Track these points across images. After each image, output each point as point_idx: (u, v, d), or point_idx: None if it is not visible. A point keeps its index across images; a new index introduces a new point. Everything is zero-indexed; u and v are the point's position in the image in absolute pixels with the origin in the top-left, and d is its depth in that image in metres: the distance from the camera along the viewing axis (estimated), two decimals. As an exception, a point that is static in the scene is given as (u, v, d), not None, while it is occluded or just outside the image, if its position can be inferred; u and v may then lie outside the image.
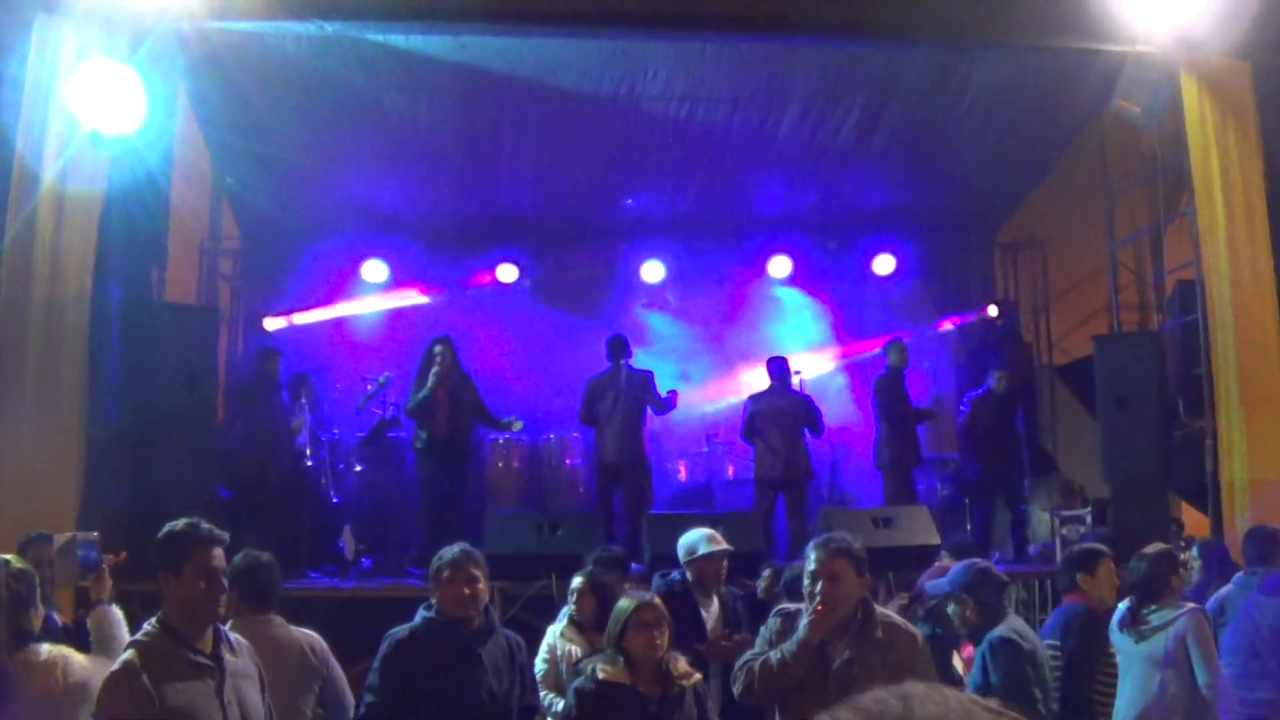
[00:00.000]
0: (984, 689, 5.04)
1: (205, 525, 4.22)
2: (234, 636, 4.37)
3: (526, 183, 13.40)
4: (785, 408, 11.64)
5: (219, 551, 4.18)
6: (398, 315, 13.82)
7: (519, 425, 11.54)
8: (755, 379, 12.56)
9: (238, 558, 5.20)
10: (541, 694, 5.99)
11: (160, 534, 4.18)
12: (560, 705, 5.53)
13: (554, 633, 6.78)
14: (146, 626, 4.11)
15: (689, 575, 6.90)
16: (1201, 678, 6.02)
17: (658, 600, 5.19)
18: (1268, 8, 9.35)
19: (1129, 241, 13.51)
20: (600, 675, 4.96)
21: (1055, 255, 14.94)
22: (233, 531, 4.48)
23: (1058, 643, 6.03)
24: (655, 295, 14.35)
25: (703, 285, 14.48)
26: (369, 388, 11.77)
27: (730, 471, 13.28)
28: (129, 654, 3.99)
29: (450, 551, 5.33)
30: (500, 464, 12.76)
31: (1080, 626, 6.07)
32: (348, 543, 10.62)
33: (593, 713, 4.96)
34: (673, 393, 11.50)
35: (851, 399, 13.92)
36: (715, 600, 6.95)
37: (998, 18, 9.68)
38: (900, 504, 11.22)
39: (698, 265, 14.52)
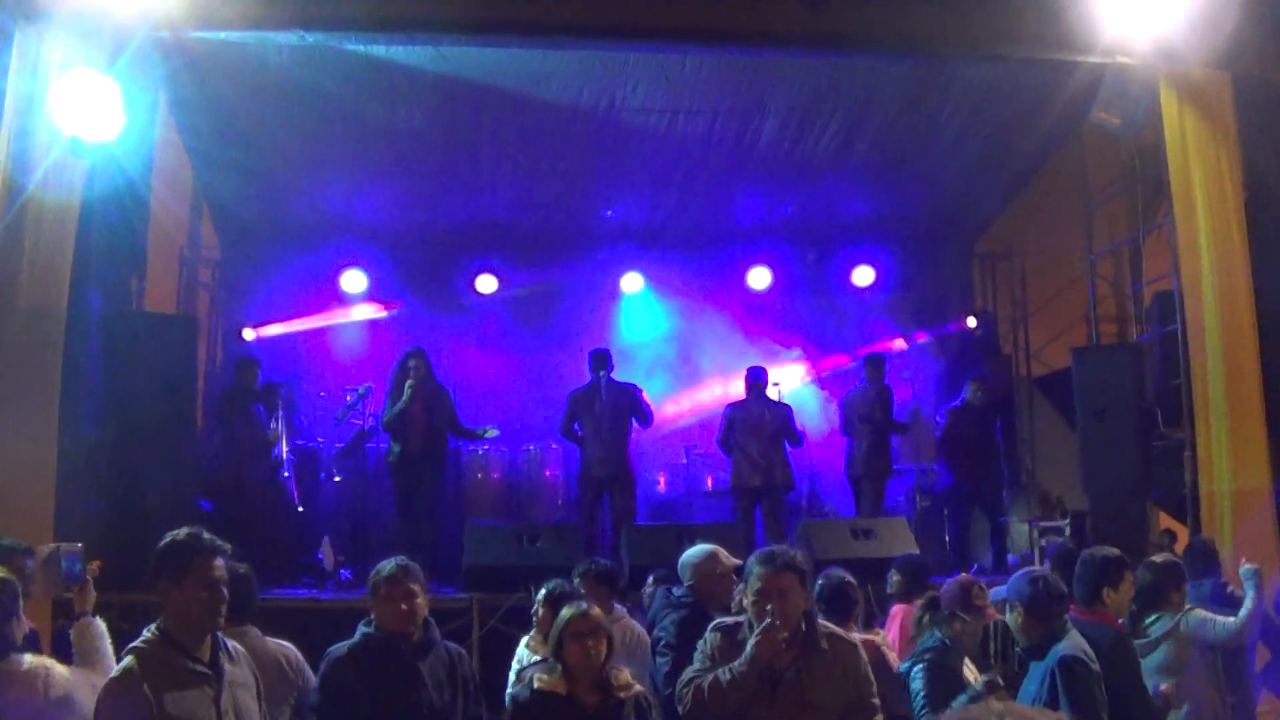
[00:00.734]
0: (1050, 707, 4.93)
1: (207, 535, 4.24)
2: (233, 645, 4.37)
3: (506, 193, 13.39)
4: (763, 418, 11.63)
5: (220, 562, 4.20)
6: (377, 325, 13.80)
7: (493, 433, 11.55)
8: (734, 389, 12.54)
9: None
10: None
11: (161, 544, 4.19)
12: None
13: (523, 643, 6.74)
14: (146, 634, 4.11)
15: (696, 594, 6.61)
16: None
17: (596, 611, 5.14)
18: (1248, 20, 9.40)
19: (1107, 253, 13.57)
20: (536, 685, 4.95)
21: (1034, 266, 15.00)
22: (213, 543, 4.46)
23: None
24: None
25: (682, 295, 14.47)
26: (348, 399, 11.74)
27: (709, 483, 13.27)
28: (129, 660, 4.00)
29: (387, 566, 5.27)
30: (479, 475, 12.74)
31: (1118, 656, 5.53)
32: (326, 554, 10.59)
33: None
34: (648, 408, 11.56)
35: (830, 411, 13.91)
36: None
37: (977, 29, 9.70)
38: (876, 516, 11.26)
39: (677, 276, 14.52)
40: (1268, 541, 9.14)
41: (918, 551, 9.70)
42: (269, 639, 5.44)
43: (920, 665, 5.57)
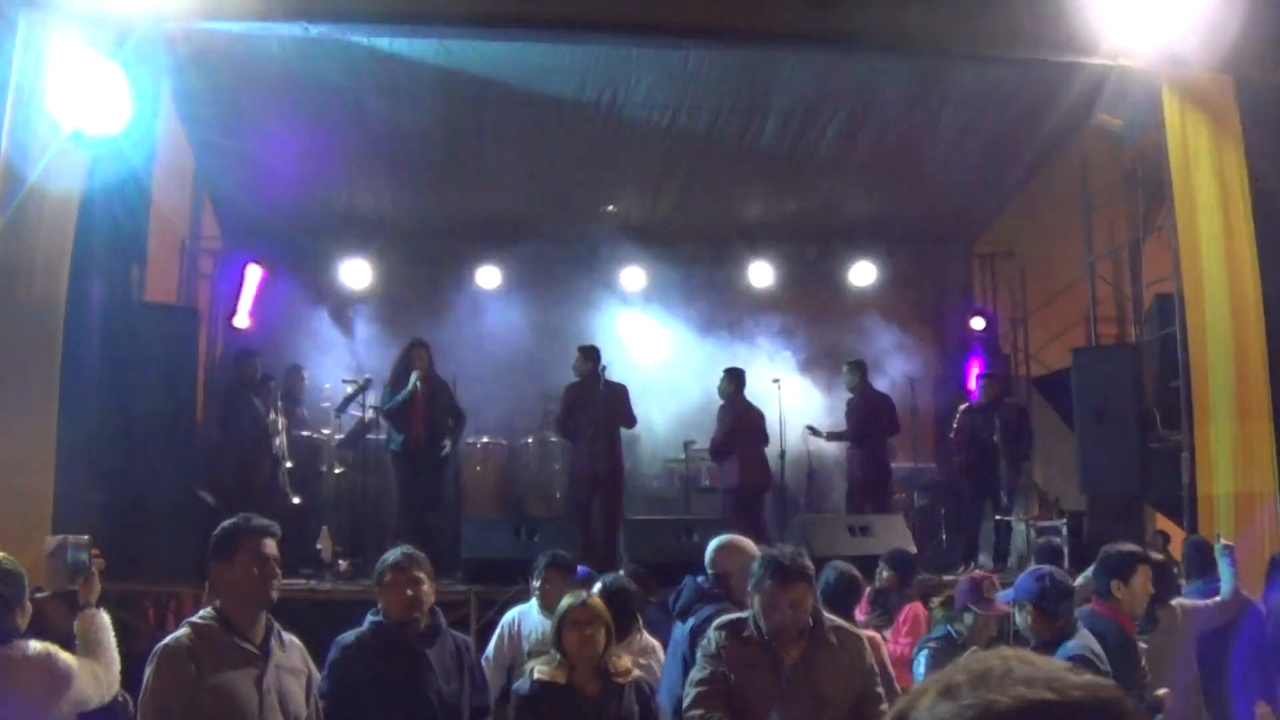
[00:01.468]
0: None
1: (257, 519, 4.50)
2: (288, 636, 4.54)
3: (508, 187, 13.40)
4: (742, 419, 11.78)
5: (271, 540, 4.46)
6: (378, 317, 13.79)
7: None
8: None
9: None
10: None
11: (215, 532, 4.45)
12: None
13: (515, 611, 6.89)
14: (204, 612, 4.36)
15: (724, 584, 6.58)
16: None
17: (594, 599, 5.20)
18: (1251, 24, 9.40)
19: (1107, 255, 13.59)
20: (536, 676, 5.01)
21: (1033, 267, 15.01)
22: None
23: None
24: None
25: (682, 292, 14.48)
26: (348, 390, 11.74)
27: (710, 479, 13.30)
28: (184, 630, 4.27)
29: (393, 555, 5.29)
30: (478, 468, 12.77)
31: (1116, 650, 5.33)
32: (324, 545, 10.60)
33: (531, 712, 5.01)
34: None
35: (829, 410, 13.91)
36: None
37: (979, 31, 9.71)
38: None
39: (677, 272, 14.54)
40: (1271, 544, 9.14)
41: (914, 549, 9.74)
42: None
43: (924, 651, 5.61)
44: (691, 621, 5.91)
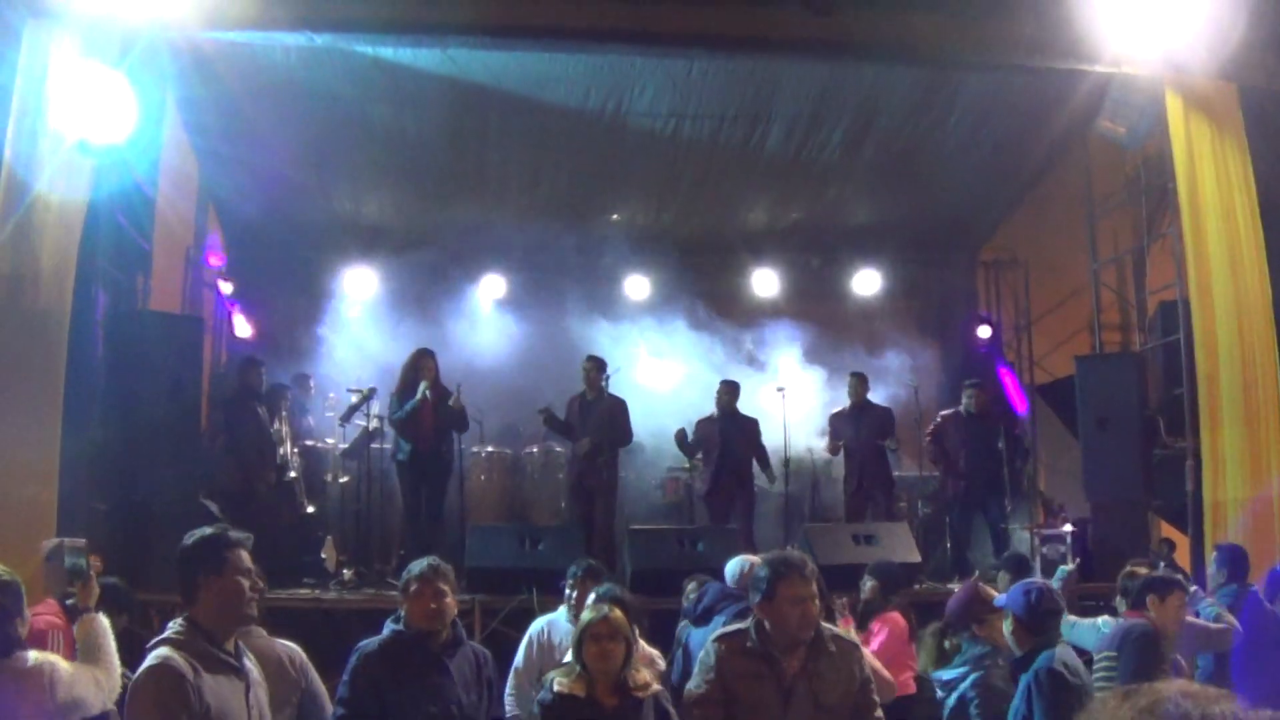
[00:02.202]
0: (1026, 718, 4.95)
1: (232, 530, 4.25)
2: (242, 645, 4.39)
3: (512, 196, 13.42)
4: (728, 431, 11.89)
5: (245, 552, 4.20)
6: (382, 325, 13.79)
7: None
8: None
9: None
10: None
11: (191, 540, 4.16)
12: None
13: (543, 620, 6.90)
14: (173, 626, 4.05)
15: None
16: None
17: (616, 614, 5.21)
18: (1254, 31, 9.40)
19: (1111, 262, 13.58)
20: (556, 688, 5.04)
21: (1037, 275, 15.00)
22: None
23: (1114, 654, 5.96)
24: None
25: (686, 301, 14.48)
26: (353, 399, 11.73)
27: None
28: (165, 649, 3.91)
29: (419, 565, 5.36)
30: (483, 477, 12.76)
31: (1139, 643, 5.90)
32: (328, 554, 10.60)
33: None
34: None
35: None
36: None
37: (983, 39, 9.72)
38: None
39: (681, 281, 14.54)
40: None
41: (918, 557, 9.73)
42: (274, 639, 5.45)
43: (973, 701, 5.55)
44: (719, 620, 6.00)
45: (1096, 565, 10.67)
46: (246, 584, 4.14)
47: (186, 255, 13.02)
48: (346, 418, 11.76)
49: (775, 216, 14.47)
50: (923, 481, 13.41)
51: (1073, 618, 6.93)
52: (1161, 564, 9.43)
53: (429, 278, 14.03)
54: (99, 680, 4.59)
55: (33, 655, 4.48)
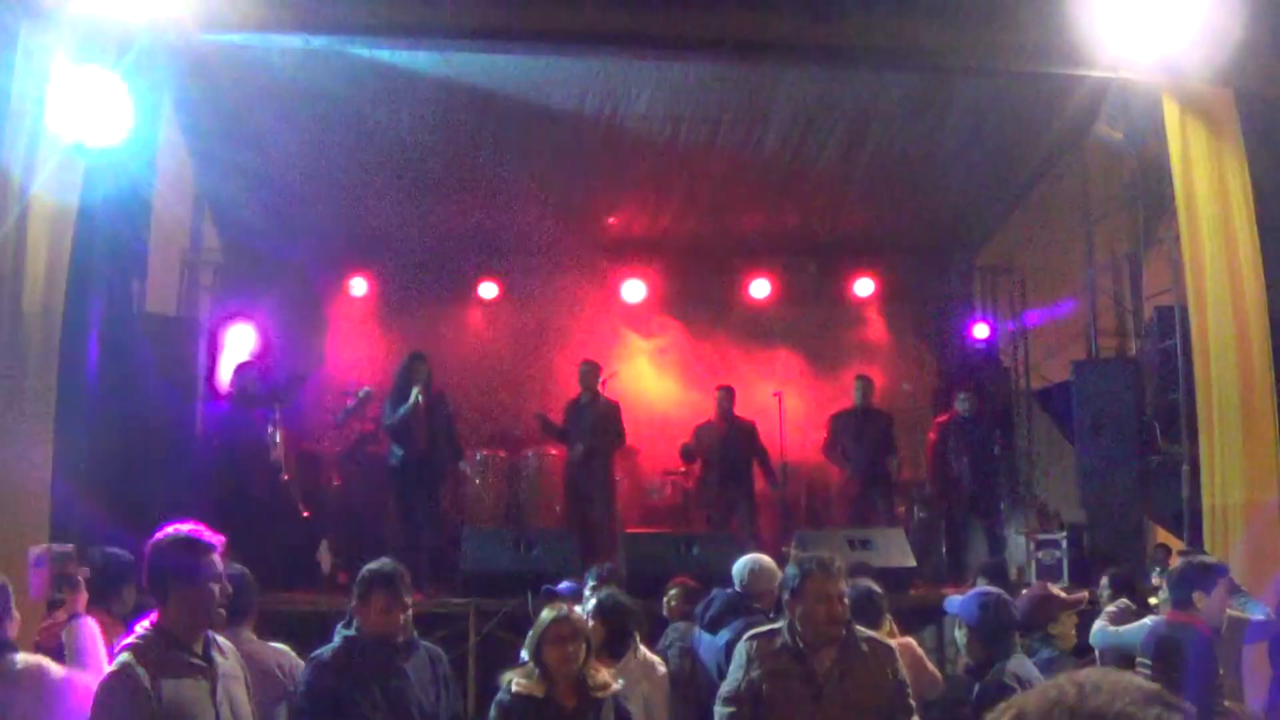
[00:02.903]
0: None
1: (206, 533, 4.24)
2: (220, 639, 4.36)
3: (508, 199, 13.38)
4: (728, 435, 11.94)
5: (217, 555, 4.21)
6: (378, 329, 13.78)
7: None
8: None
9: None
10: None
11: (166, 540, 4.18)
12: None
13: None
14: (139, 630, 4.08)
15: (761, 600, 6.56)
16: None
17: (576, 614, 5.24)
18: (1251, 36, 9.39)
19: (1108, 267, 13.58)
20: (515, 689, 5.01)
21: (1034, 280, 14.99)
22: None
23: (1150, 662, 5.64)
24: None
25: (682, 305, 14.49)
26: (349, 402, 11.72)
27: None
28: (125, 655, 3.96)
29: (375, 570, 5.26)
30: (478, 481, 12.74)
31: (1196, 659, 5.41)
32: (324, 557, 10.58)
33: None
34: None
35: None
36: None
37: (980, 43, 9.71)
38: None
39: (678, 285, 14.54)
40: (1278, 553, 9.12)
41: (913, 562, 9.73)
42: (266, 643, 5.43)
43: None
44: (726, 634, 5.99)
45: (1093, 572, 10.66)
46: (217, 589, 4.14)
47: (182, 258, 13.00)
48: (342, 421, 11.75)
49: (771, 221, 14.44)
50: (918, 485, 13.42)
51: (1112, 627, 6.91)
52: (1158, 569, 9.46)
53: (425, 281, 14.01)
54: (88, 684, 4.56)
55: (20, 657, 4.46)
